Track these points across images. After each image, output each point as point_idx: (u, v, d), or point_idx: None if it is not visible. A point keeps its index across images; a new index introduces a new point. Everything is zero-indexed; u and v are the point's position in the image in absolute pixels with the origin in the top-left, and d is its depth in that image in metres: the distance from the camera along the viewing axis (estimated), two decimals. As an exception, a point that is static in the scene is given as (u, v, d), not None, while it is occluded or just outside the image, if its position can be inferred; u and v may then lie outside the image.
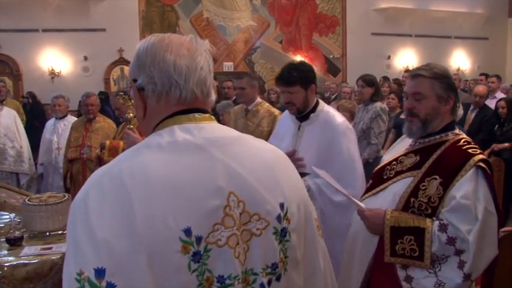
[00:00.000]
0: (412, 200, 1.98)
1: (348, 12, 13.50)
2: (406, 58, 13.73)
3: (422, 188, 1.97)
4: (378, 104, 5.06)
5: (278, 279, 1.14)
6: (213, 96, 1.21)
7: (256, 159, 1.16)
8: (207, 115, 1.17)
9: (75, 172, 5.11)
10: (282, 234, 1.14)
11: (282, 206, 1.15)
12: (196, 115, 1.15)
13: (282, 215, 1.14)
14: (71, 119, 5.68)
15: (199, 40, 1.19)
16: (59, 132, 5.62)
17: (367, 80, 5.15)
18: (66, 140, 5.22)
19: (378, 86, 5.14)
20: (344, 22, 13.57)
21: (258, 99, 4.54)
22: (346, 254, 2.24)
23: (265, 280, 1.10)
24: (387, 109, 5.11)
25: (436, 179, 1.95)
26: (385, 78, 10.12)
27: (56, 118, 5.71)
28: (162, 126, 1.14)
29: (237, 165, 1.11)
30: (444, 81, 2.04)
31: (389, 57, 13.85)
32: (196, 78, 1.14)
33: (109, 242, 0.97)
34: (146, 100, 1.17)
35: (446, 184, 1.92)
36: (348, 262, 2.20)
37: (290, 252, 1.16)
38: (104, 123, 5.17)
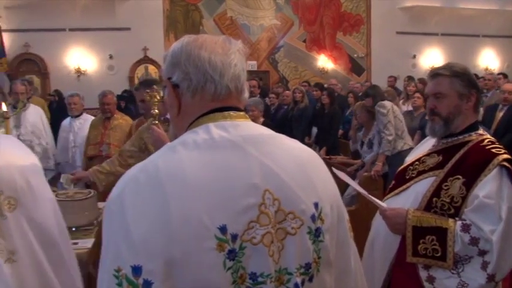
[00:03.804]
0: (434, 199, 1.95)
1: (373, 10, 13.40)
2: (432, 57, 13.53)
3: (445, 187, 1.94)
4: None
5: (311, 279, 1.12)
6: (246, 94, 1.21)
7: (290, 158, 1.15)
8: (241, 113, 1.17)
9: (95, 169, 5.15)
10: (316, 234, 1.13)
11: (316, 205, 1.14)
12: (232, 113, 1.15)
13: (316, 214, 1.13)
14: (87, 117, 5.68)
15: (233, 40, 1.20)
16: (75, 130, 5.63)
17: (363, 93, 5.89)
18: (86, 138, 5.26)
19: (376, 93, 5.52)
20: (369, 21, 13.47)
21: None
22: (368, 254, 2.22)
23: (299, 280, 1.09)
24: (385, 104, 5.27)
25: (459, 178, 1.92)
26: (410, 78, 9.96)
27: (72, 117, 5.72)
28: (197, 124, 1.14)
29: (272, 163, 1.10)
30: (464, 78, 2.02)
31: (414, 56, 13.69)
32: (231, 74, 1.14)
33: (145, 240, 0.98)
34: (181, 97, 1.17)
35: (470, 184, 1.89)
36: (369, 262, 2.17)
37: (323, 253, 1.15)
38: (122, 121, 5.20)
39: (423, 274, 1.93)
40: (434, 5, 13.23)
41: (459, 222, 1.87)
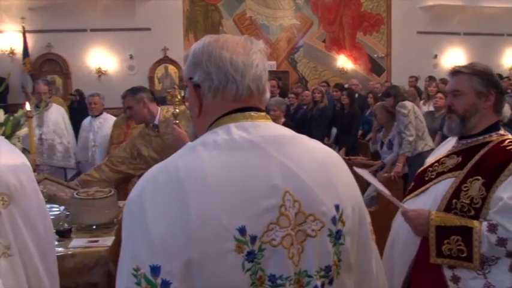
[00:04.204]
0: (454, 201, 1.93)
1: (393, 10, 13.25)
2: (454, 57, 13.28)
3: (464, 189, 1.92)
4: None
5: (330, 282, 1.11)
6: (268, 94, 1.20)
7: (311, 159, 1.14)
8: (262, 113, 1.17)
9: (118, 168, 5.18)
10: (337, 237, 1.12)
11: (337, 207, 1.12)
12: (252, 113, 1.14)
13: (337, 217, 1.12)
14: (107, 116, 5.78)
15: (254, 40, 1.20)
16: (94, 129, 5.72)
17: (384, 93, 5.80)
18: (109, 137, 5.31)
19: (397, 93, 5.51)
20: (389, 20, 13.32)
21: (159, 108, 3.74)
22: (387, 255, 2.19)
23: (319, 283, 1.08)
24: (406, 105, 5.26)
25: (478, 179, 1.89)
26: (432, 78, 9.83)
27: (92, 116, 5.82)
28: (218, 124, 1.14)
29: (292, 165, 1.09)
30: (484, 77, 2.00)
31: (436, 56, 13.48)
32: (252, 74, 1.14)
33: (164, 240, 0.98)
34: (202, 98, 1.16)
35: (489, 185, 1.86)
36: (389, 262, 2.15)
37: (344, 256, 1.14)
38: None
39: (447, 273, 1.90)
40: (456, 3, 12.96)
41: (485, 223, 1.84)
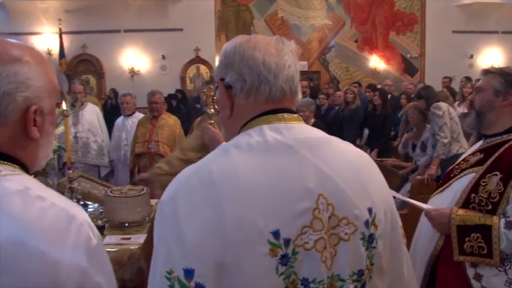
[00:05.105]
0: (472, 195, 1.97)
1: (428, 9, 12.97)
2: (491, 57, 12.90)
3: (483, 183, 1.96)
4: None
5: (363, 286, 1.10)
6: (300, 95, 1.20)
7: (344, 162, 1.12)
8: (295, 115, 1.16)
9: (143, 166, 5.22)
10: (369, 241, 1.10)
11: (370, 211, 1.11)
12: (285, 115, 1.13)
13: (370, 220, 1.10)
14: (139, 116, 5.86)
15: (286, 41, 1.19)
16: (127, 129, 5.82)
17: (417, 94, 5.77)
18: (133, 136, 5.39)
19: (429, 95, 5.36)
20: (423, 20, 13.06)
21: None
22: (412, 250, 2.21)
23: (351, 287, 1.07)
24: (441, 106, 5.13)
25: (496, 175, 1.94)
26: (468, 79, 9.57)
27: (124, 116, 5.93)
28: (250, 126, 1.13)
29: (326, 167, 1.08)
30: (507, 78, 2.04)
31: (472, 56, 13.12)
32: (285, 75, 1.13)
33: (198, 243, 0.97)
34: (233, 99, 1.16)
35: (507, 180, 1.90)
36: (412, 257, 2.16)
37: (376, 260, 1.12)
38: (169, 120, 5.31)
39: (470, 272, 1.93)
40: (495, 1, 12.55)
41: (503, 220, 1.87)
